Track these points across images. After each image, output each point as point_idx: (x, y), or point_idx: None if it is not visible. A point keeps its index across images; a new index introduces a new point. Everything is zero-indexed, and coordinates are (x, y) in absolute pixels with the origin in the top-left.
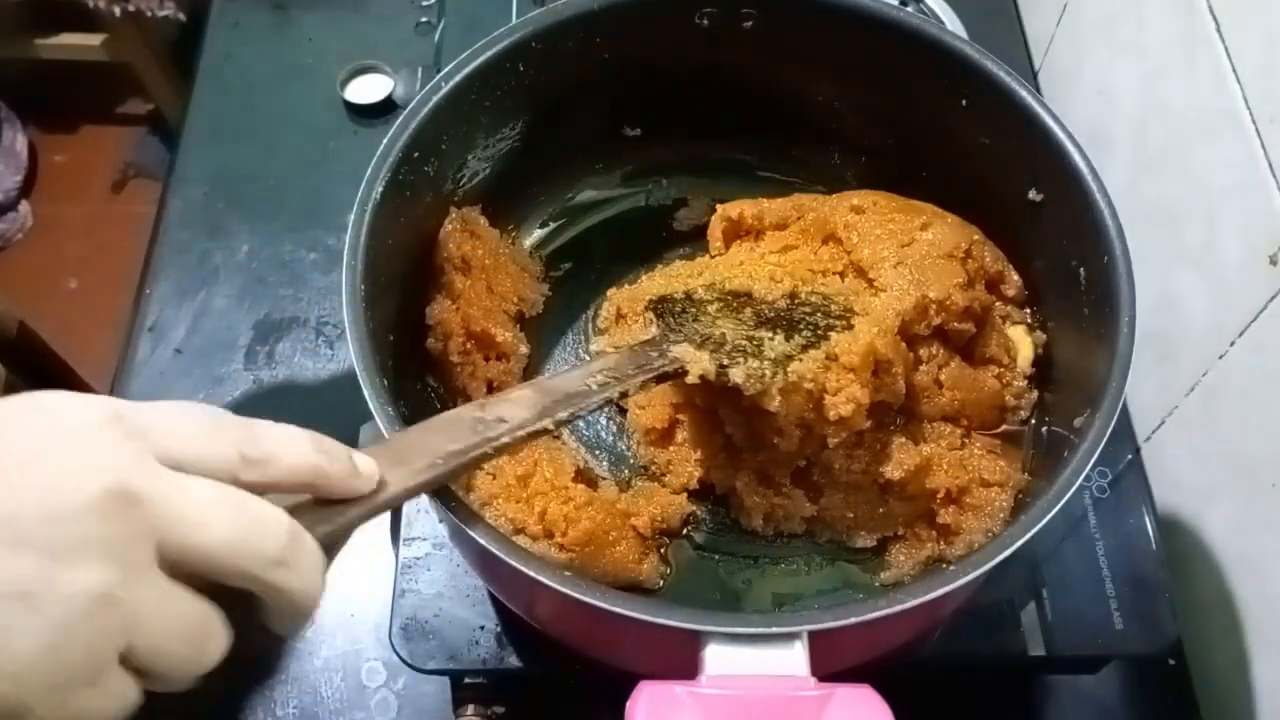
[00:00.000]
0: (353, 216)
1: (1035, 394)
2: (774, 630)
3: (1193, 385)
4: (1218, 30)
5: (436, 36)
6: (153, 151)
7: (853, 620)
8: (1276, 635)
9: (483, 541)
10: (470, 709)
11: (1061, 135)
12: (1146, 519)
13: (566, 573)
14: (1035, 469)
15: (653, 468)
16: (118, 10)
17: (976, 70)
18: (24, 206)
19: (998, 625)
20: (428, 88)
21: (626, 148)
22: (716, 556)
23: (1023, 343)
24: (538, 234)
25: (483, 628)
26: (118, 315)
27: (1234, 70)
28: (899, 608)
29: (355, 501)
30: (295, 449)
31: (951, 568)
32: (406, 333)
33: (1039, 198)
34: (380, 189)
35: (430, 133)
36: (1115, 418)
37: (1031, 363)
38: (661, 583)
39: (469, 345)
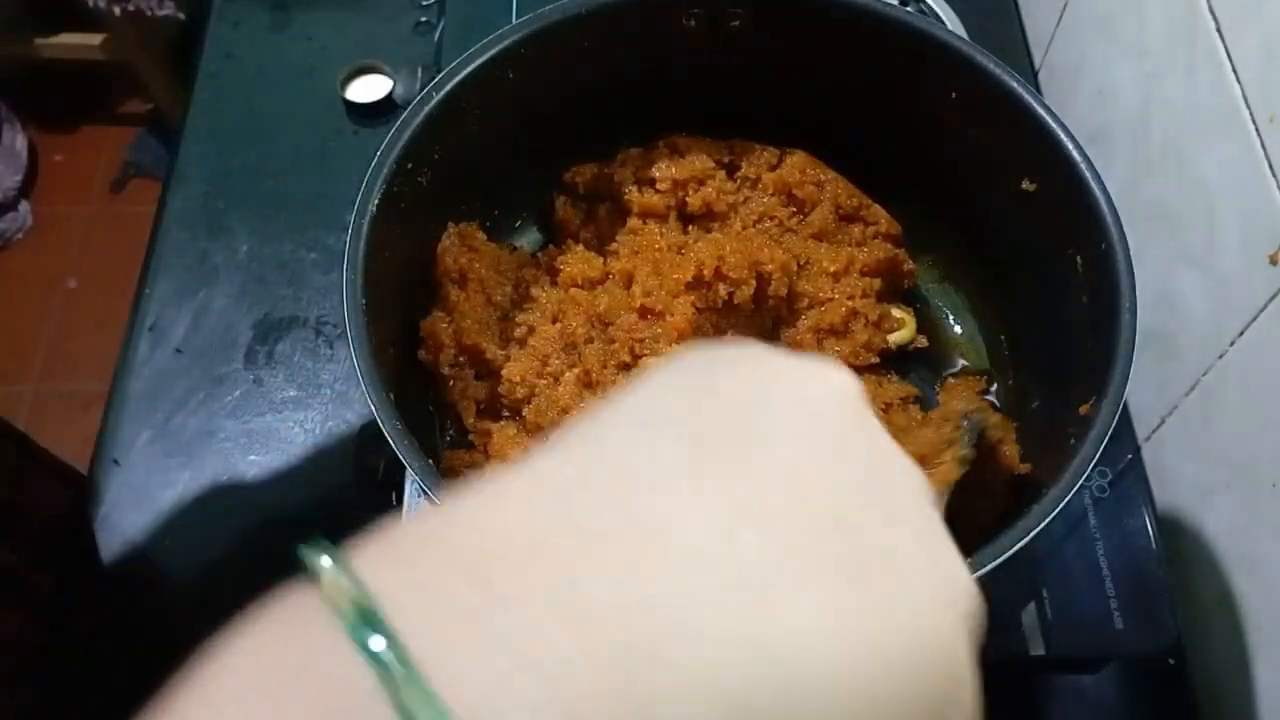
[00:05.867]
0: (350, 230)
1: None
2: None
3: (1193, 385)
4: (1218, 30)
5: (436, 36)
6: (153, 151)
7: None
8: (1277, 635)
9: None
10: None
11: (1053, 124)
12: (1146, 519)
13: None
14: (1031, 458)
15: None
16: (118, 10)
17: (966, 62)
18: (24, 206)
19: (998, 625)
20: (418, 99)
21: (613, 151)
22: None
23: (905, 322)
24: (535, 241)
25: None
26: (118, 315)
27: (1234, 70)
28: None
29: None
30: None
31: (970, 559)
32: (408, 346)
33: (1032, 187)
34: (375, 202)
35: (422, 144)
36: (1121, 405)
37: (909, 341)
38: None
39: (460, 359)
